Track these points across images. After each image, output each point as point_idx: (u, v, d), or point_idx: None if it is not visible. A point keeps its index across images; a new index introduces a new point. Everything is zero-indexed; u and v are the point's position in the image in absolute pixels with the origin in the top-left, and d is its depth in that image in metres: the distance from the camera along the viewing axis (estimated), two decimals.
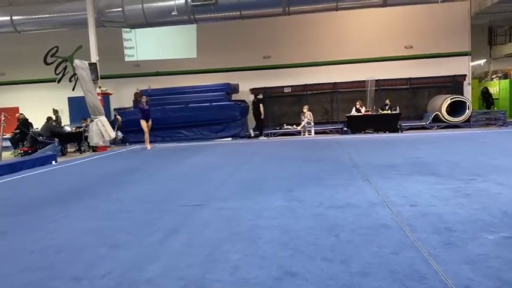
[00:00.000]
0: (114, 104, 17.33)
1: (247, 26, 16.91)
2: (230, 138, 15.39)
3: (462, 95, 16.27)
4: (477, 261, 2.99)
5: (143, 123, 13.28)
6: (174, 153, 11.55)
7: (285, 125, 16.74)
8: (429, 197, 4.85)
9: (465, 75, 16.96)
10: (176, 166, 9.01)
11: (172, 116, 15.60)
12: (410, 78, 16.98)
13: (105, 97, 15.33)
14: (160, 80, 17.69)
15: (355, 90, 16.83)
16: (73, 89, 18.83)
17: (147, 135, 13.38)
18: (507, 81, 19.91)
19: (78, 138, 14.13)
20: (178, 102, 16.08)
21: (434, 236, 3.54)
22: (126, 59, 18.12)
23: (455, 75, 16.83)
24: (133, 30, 17.11)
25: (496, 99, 19.78)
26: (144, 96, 13.53)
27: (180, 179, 7.35)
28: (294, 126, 16.14)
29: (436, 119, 15.54)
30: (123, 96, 17.30)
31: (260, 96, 16.15)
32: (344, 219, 4.16)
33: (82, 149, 13.93)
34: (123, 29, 17.25)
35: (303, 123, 15.59)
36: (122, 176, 7.95)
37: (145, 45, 18.00)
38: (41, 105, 17.33)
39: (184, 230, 4.14)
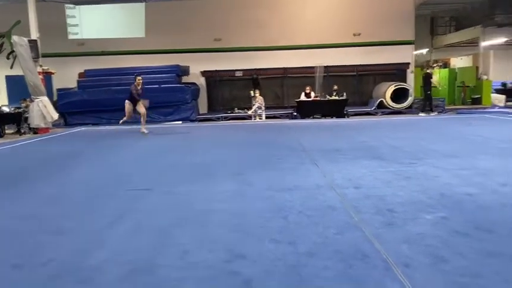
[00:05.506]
0: (57, 84, 16.50)
1: (198, 7, 16.59)
2: (180, 122, 15.16)
3: (406, 82, 16.95)
4: (416, 240, 3.17)
5: (126, 103, 11.26)
6: (120, 136, 11.22)
7: (236, 109, 16.71)
8: (372, 180, 5.06)
9: (409, 64, 17.66)
10: (123, 150, 8.77)
11: (119, 98, 15.06)
12: (357, 65, 17.43)
13: (47, 76, 14.54)
14: (107, 60, 17.00)
15: (304, 75, 17.04)
16: (11, 67, 17.62)
17: (142, 120, 11.43)
18: (446, 70, 20.95)
19: (17, 120, 13.38)
20: (126, 83, 15.52)
21: (377, 217, 3.70)
22: (70, 36, 17.21)
23: (399, 63, 17.47)
24: (77, 6, 16.27)
25: (435, 87, 20.79)
26: (138, 78, 11.34)
27: (127, 163, 7.17)
28: (245, 110, 16.15)
29: (381, 106, 16.12)
30: (67, 76, 16.48)
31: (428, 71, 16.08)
32: (292, 202, 4.25)
33: (22, 130, 13.21)
34: (66, 5, 16.36)
35: (254, 108, 15.64)
36: (65, 160, 7.64)
37: (91, 23, 17.18)
38: None
39: (132, 215, 4.07)
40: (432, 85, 15.78)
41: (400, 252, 2.94)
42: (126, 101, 11.27)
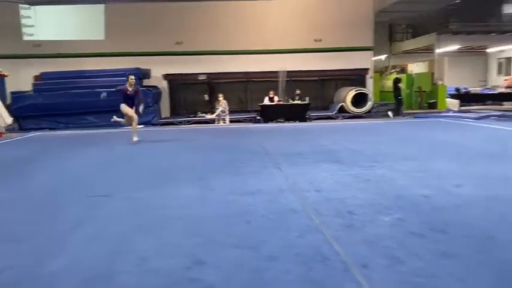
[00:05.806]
0: (10, 87, 15.83)
1: (160, 10, 16.40)
2: (142, 126, 14.88)
3: (365, 87, 17.41)
4: (374, 241, 3.24)
5: (123, 108, 9.90)
6: (79, 141, 10.90)
7: (199, 112, 16.60)
8: (333, 183, 5.15)
9: (368, 69, 18.15)
10: (82, 155, 8.51)
11: (78, 101, 14.68)
12: (319, 70, 17.72)
13: (0, 79, 13.96)
14: (64, 62, 16.48)
15: (268, 80, 17.16)
16: None
17: (134, 125, 10.02)
18: (403, 75, 21.67)
19: None
20: (85, 86, 15.16)
21: (337, 219, 3.77)
22: (25, 38, 16.57)
23: (359, 69, 17.93)
24: (32, 6, 15.68)
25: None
26: (130, 77, 10.07)
27: (86, 169, 6.96)
28: (209, 114, 16.07)
29: (342, 110, 16.47)
30: (22, 79, 15.85)
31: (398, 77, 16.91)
32: (255, 206, 4.26)
33: None
34: (20, 5, 15.75)
35: (217, 112, 15.59)
36: (21, 165, 7.33)
37: (47, 23, 16.60)
38: None
39: (91, 222, 3.96)
40: (401, 90, 16.43)
41: (359, 254, 3.01)
42: (122, 104, 9.83)
